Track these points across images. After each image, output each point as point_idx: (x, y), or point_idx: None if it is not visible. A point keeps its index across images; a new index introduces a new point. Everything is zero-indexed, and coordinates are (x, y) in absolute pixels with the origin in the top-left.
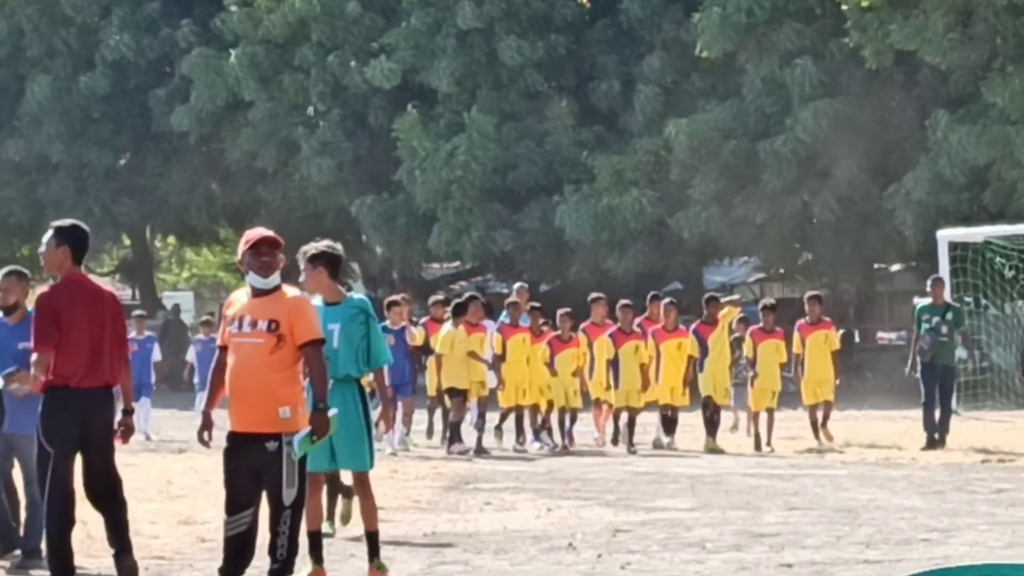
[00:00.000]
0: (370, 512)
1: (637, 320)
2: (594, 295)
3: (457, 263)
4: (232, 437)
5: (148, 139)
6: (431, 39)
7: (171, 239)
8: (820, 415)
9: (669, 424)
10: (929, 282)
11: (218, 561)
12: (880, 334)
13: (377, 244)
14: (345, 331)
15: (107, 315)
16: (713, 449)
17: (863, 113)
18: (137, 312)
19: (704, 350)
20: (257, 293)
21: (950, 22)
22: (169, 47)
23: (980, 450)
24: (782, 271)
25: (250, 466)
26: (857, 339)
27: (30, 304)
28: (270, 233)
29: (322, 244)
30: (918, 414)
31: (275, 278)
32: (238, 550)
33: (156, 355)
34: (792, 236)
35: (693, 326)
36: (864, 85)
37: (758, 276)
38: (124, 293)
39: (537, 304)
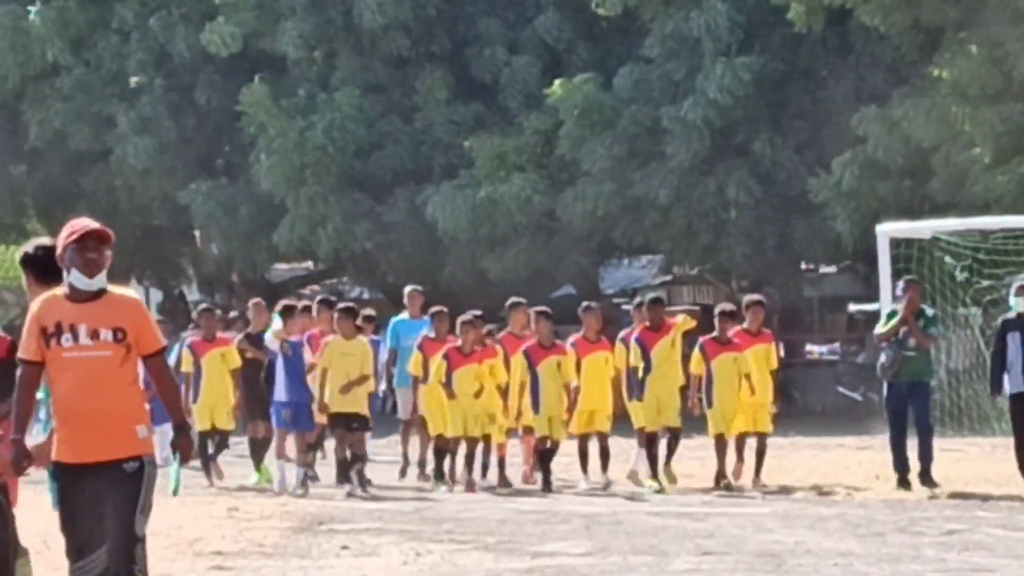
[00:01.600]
0: None
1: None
2: (513, 300)
3: (309, 263)
4: (71, 470)
5: None
6: None
7: None
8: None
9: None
10: (901, 284)
11: None
12: (809, 347)
13: (213, 240)
14: None
15: None
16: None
17: (789, 80)
18: None
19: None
20: (81, 297)
21: None
22: None
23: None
24: (693, 272)
25: (97, 499)
26: (782, 352)
27: None
28: (97, 225)
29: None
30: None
31: (101, 278)
32: None
33: None
34: (703, 224)
35: (636, 334)
36: (791, 48)
37: (664, 278)
38: None
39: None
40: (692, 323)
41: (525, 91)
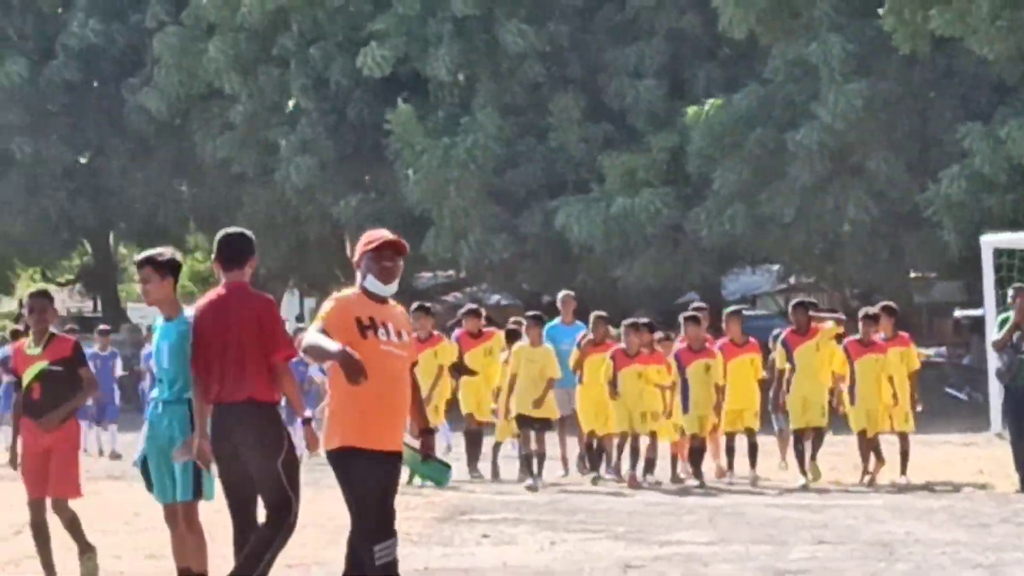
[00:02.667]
0: (200, 551)
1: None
2: (596, 314)
3: (451, 271)
4: (367, 455)
5: (113, 135)
6: (424, 25)
7: (136, 246)
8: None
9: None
10: (1011, 292)
11: None
12: (917, 350)
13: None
14: (177, 350)
15: None
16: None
17: (900, 101)
18: (101, 327)
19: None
20: (377, 299)
21: (996, 6)
22: (139, 35)
23: None
24: (810, 280)
25: (394, 485)
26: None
27: None
28: (395, 236)
29: (167, 250)
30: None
31: (394, 286)
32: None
33: (118, 371)
34: (821, 238)
35: (782, 336)
36: (901, 71)
37: (781, 286)
38: (85, 305)
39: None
40: (839, 329)
41: (650, 112)
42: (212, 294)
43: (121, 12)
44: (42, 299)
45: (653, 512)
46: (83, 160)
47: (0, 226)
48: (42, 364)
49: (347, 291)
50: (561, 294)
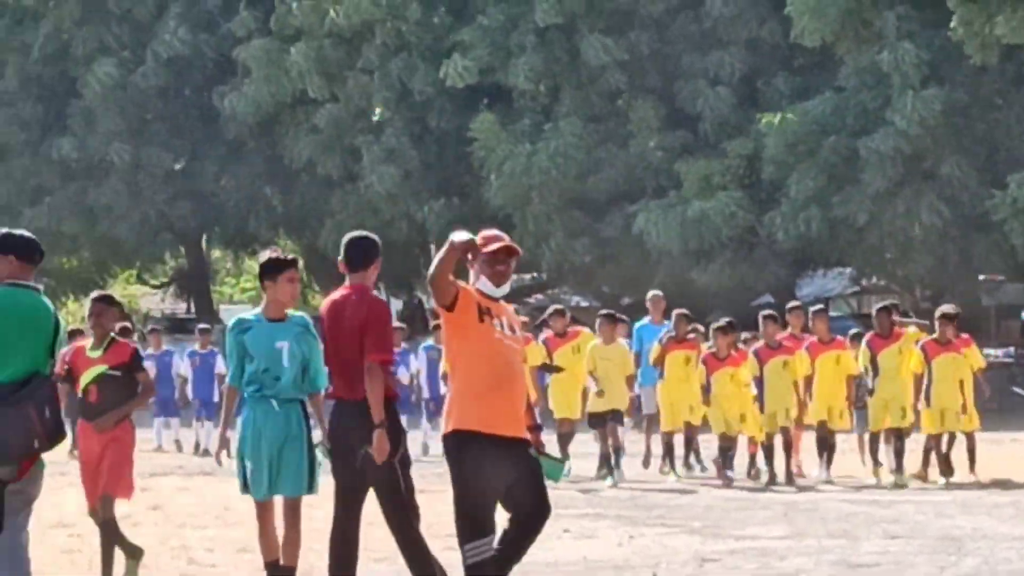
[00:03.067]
0: (295, 546)
1: (780, 335)
2: (793, 303)
3: (534, 273)
4: (480, 438)
5: (205, 142)
6: (507, 36)
7: (229, 249)
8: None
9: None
10: None
11: None
12: (986, 351)
13: None
14: (293, 350)
15: None
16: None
17: (970, 108)
18: (201, 326)
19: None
20: (490, 300)
21: None
22: (229, 43)
23: None
24: (881, 283)
25: (503, 468)
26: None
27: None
28: (509, 240)
29: (287, 254)
30: None
31: (506, 288)
32: None
33: (220, 368)
34: (892, 241)
35: (866, 339)
36: (971, 78)
37: (854, 289)
38: (178, 306)
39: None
40: (922, 334)
41: (726, 119)
42: (336, 294)
43: (211, 22)
44: (101, 303)
45: (728, 507)
46: (177, 167)
47: (102, 229)
48: (101, 368)
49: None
50: (650, 294)
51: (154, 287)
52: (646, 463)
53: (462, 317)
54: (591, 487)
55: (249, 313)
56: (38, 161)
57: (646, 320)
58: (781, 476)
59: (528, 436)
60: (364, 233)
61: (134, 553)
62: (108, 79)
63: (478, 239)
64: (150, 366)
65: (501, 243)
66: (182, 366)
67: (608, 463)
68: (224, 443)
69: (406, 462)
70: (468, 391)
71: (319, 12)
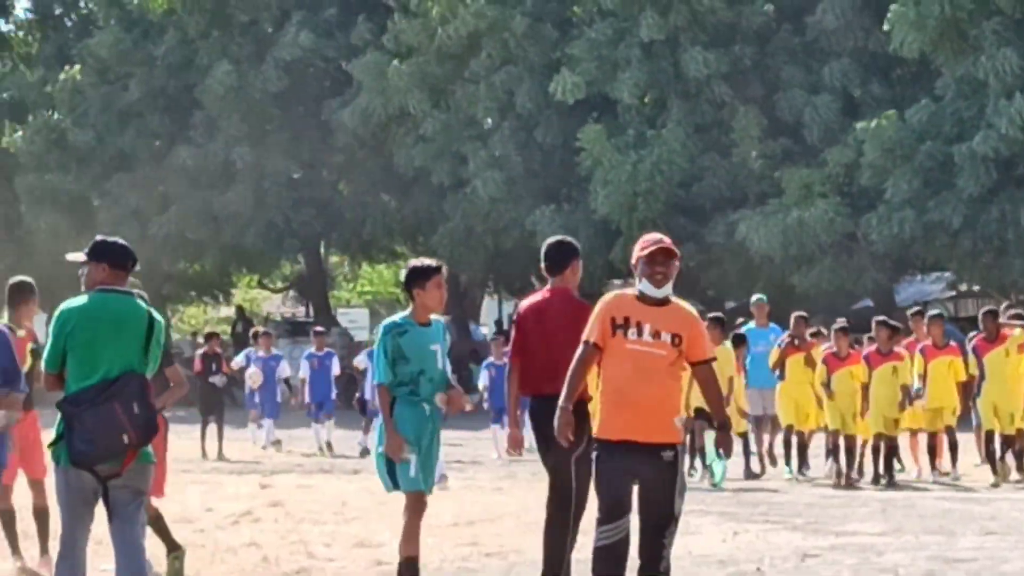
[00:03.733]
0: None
1: (905, 341)
2: (915, 309)
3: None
4: (609, 445)
5: (321, 150)
6: (614, 50)
7: (346, 255)
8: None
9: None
10: None
11: None
12: None
13: None
14: (442, 352)
15: None
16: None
17: None
18: (317, 328)
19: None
20: (649, 301)
21: None
22: (345, 53)
23: None
24: (976, 288)
25: (631, 473)
26: None
27: None
28: (668, 242)
29: (431, 261)
30: None
31: (667, 288)
32: (614, 558)
33: (336, 370)
34: (987, 245)
35: (972, 343)
36: None
37: (950, 293)
38: (297, 310)
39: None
40: None
41: (826, 128)
42: (537, 296)
43: (329, 31)
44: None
45: (829, 504)
46: (296, 175)
47: (228, 236)
48: None
49: (619, 292)
50: (754, 298)
51: (274, 291)
52: (772, 462)
53: (600, 341)
54: (697, 485)
55: (397, 317)
56: (163, 170)
57: (751, 324)
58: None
59: (667, 440)
60: (563, 237)
61: (174, 547)
62: (228, 81)
63: (639, 244)
64: (256, 370)
65: (657, 246)
66: (287, 370)
67: (703, 457)
68: (396, 441)
69: (583, 460)
70: (604, 400)
71: (428, 30)
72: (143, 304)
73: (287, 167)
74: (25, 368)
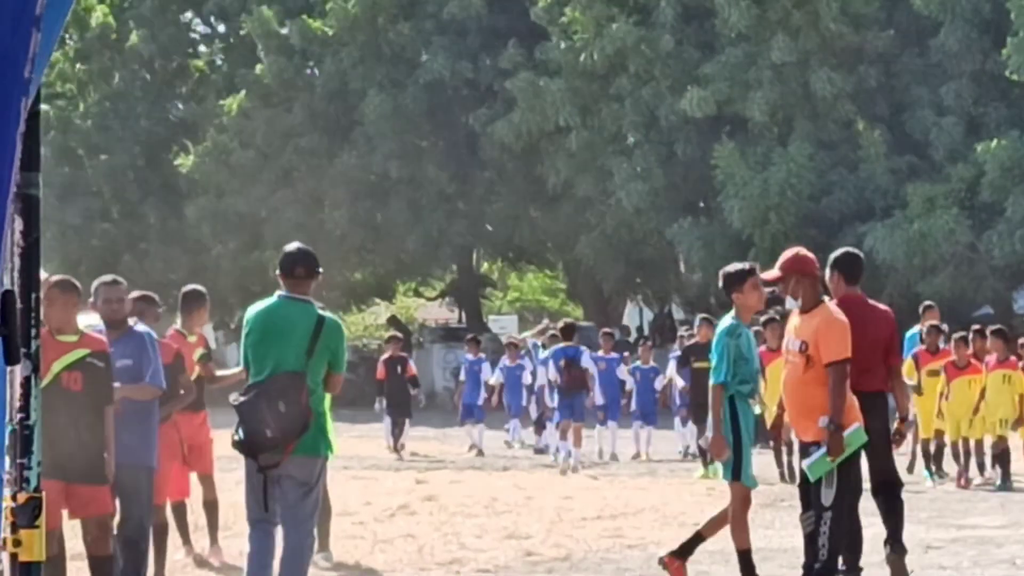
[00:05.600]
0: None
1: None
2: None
3: (772, 289)
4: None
5: (471, 164)
6: (746, 72)
7: (497, 263)
8: None
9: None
10: None
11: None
12: None
13: (694, 268)
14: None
15: None
16: None
17: None
18: (469, 336)
19: None
20: (801, 312)
21: None
22: (489, 74)
23: None
24: None
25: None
26: None
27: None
28: (789, 257)
29: (744, 264)
30: None
31: (798, 301)
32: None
33: (487, 375)
34: None
35: None
36: None
37: None
38: (451, 316)
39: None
40: None
41: (950, 146)
42: (848, 303)
43: (474, 53)
44: (144, 302)
45: (951, 499)
46: (449, 189)
47: (389, 246)
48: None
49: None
50: (925, 304)
51: (429, 299)
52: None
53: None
54: None
55: (729, 320)
56: (324, 186)
57: (915, 328)
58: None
59: (813, 439)
60: (852, 249)
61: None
62: (381, 103)
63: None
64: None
65: (768, 275)
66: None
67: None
68: (723, 442)
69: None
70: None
71: (575, 51)
72: (316, 309)
73: (437, 180)
74: (194, 375)
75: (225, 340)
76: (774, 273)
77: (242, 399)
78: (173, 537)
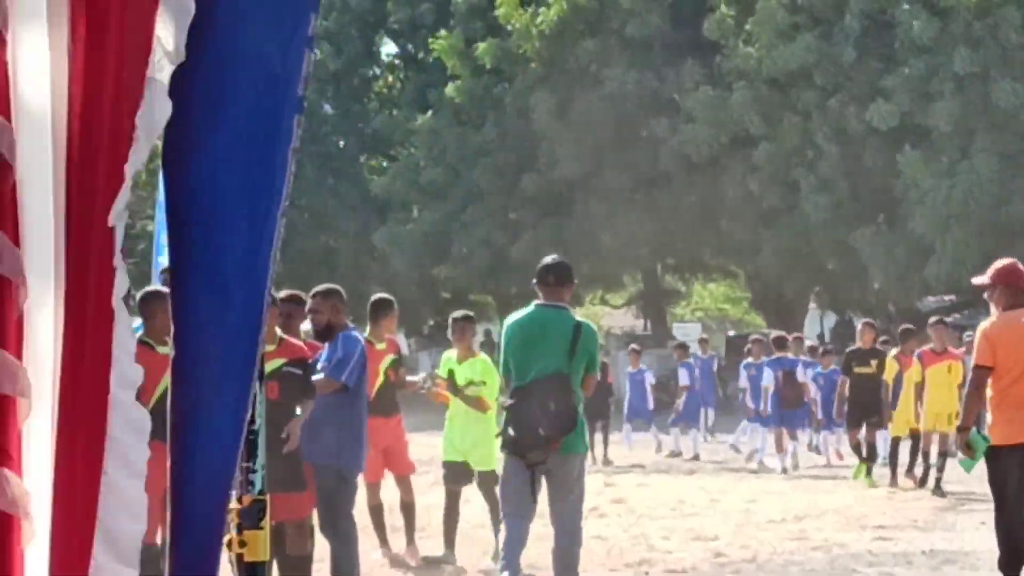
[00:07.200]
0: None
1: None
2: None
3: (952, 296)
4: (1004, 450)
5: (652, 176)
6: (927, 83)
7: (684, 275)
8: None
9: None
10: None
11: None
12: None
13: (875, 275)
14: None
15: None
16: None
17: None
18: (632, 346)
19: None
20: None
21: None
22: (669, 87)
23: None
24: None
25: None
26: None
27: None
28: (1001, 267)
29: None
30: None
31: (999, 311)
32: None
33: (651, 380)
34: None
35: None
36: None
37: None
38: (637, 324)
39: None
40: None
41: None
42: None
43: (657, 67)
44: (289, 304)
45: None
46: (632, 200)
47: (575, 258)
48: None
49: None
50: None
51: (614, 307)
52: None
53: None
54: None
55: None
56: (514, 201)
57: None
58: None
59: None
60: (1015, 260)
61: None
62: (566, 120)
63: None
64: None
65: (979, 280)
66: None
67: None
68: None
69: None
70: (993, 411)
71: (757, 63)
72: (572, 315)
73: (623, 193)
74: (379, 382)
75: (417, 347)
76: (984, 280)
77: (510, 402)
78: (371, 538)
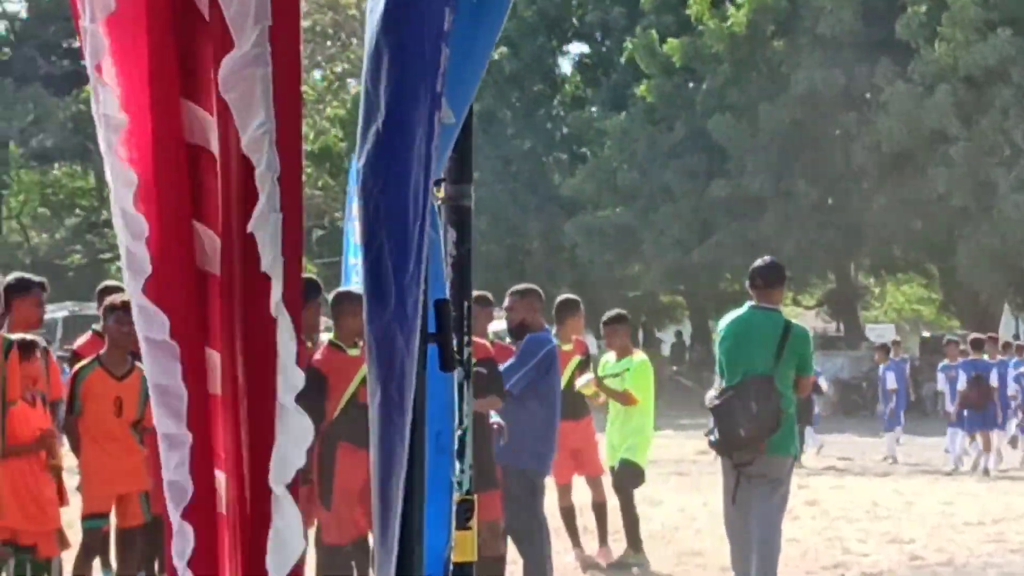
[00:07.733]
0: None
1: None
2: None
3: None
4: None
5: (847, 176)
6: None
7: (873, 274)
8: None
9: None
10: None
11: None
12: None
13: None
14: None
15: None
16: None
17: None
18: (880, 343)
19: None
20: None
21: None
22: (860, 84)
23: None
24: None
25: None
26: None
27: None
28: None
29: None
30: None
31: None
32: None
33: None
34: None
35: None
36: None
37: None
38: (829, 326)
39: None
40: None
41: None
42: None
43: (849, 66)
44: (475, 305)
45: None
46: (826, 200)
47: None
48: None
49: None
50: None
51: (806, 308)
52: None
53: None
54: None
55: None
56: (704, 202)
57: None
58: None
59: None
60: None
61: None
62: (755, 119)
63: None
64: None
65: None
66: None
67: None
68: None
69: None
70: None
71: (952, 60)
72: (782, 317)
73: (808, 192)
74: (565, 380)
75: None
76: None
77: (716, 401)
78: (563, 540)
